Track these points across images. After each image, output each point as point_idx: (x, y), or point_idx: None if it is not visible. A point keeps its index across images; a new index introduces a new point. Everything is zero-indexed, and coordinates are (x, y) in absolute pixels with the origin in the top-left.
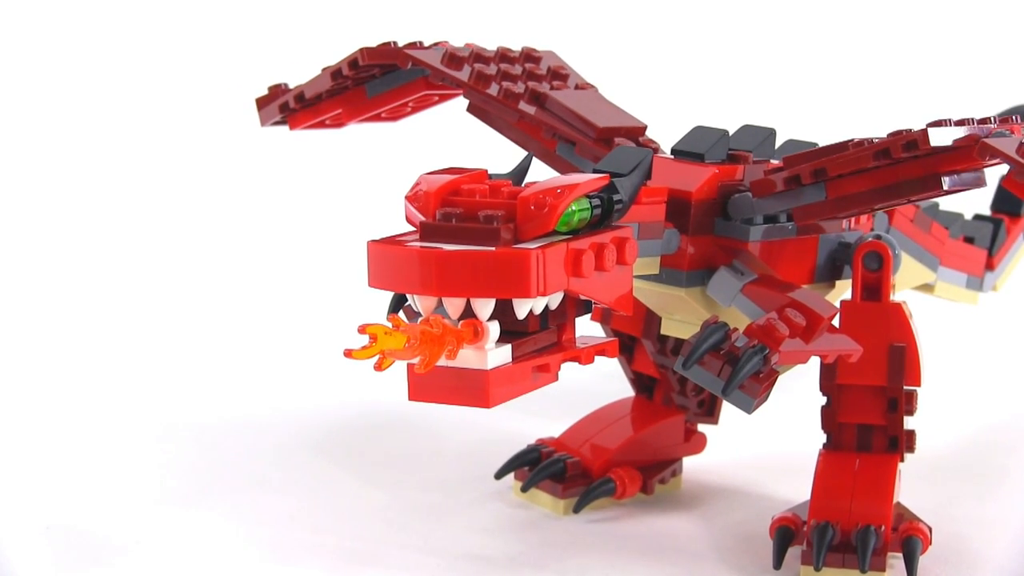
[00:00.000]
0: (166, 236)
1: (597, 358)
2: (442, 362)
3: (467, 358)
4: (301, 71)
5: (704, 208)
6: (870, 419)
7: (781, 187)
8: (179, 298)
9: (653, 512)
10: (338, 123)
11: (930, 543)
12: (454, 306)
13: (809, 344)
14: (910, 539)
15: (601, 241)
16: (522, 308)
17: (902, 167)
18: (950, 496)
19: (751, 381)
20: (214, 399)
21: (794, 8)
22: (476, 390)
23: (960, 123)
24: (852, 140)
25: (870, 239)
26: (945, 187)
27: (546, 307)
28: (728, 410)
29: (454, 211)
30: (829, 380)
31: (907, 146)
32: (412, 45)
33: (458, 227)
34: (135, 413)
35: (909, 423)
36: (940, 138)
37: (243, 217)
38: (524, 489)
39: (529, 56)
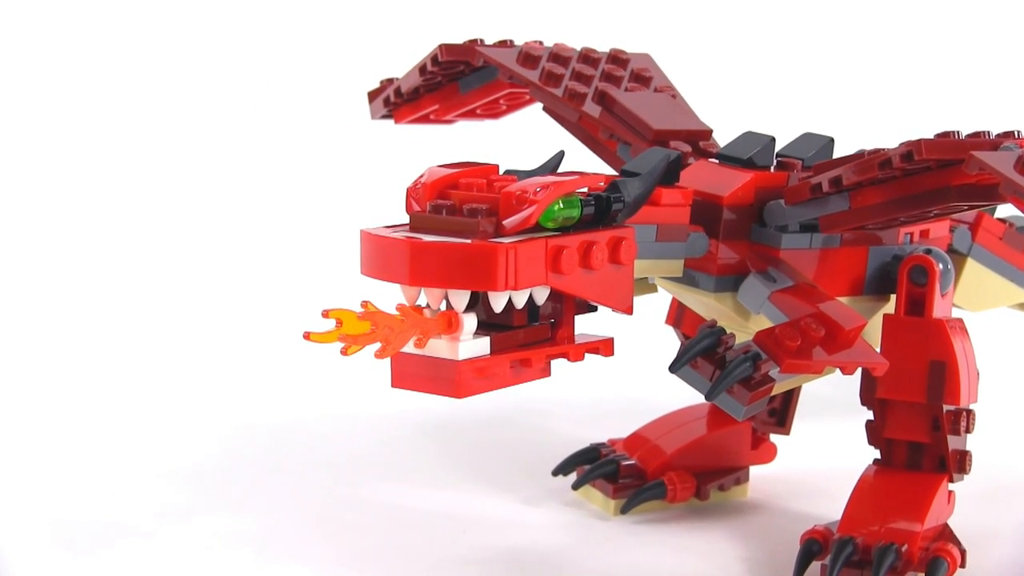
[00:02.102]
0: (204, 234)
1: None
2: (420, 351)
3: (440, 348)
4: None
5: (737, 213)
6: (917, 437)
7: (807, 195)
8: (223, 300)
9: (701, 518)
10: (440, 118)
11: (960, 566)
12: (434, 296)
13: (830, 355)
14: (934, 560)
15: (591, 240)
16: (497, 301)
17: (916, 179)
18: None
19: (740, 387)
20: (266, 398)
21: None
22: (448, 380)
23: (974, 135)
24: (869, 150)
25: (920, 252)
26: (957, 200)
27: (533, 303)
28: (801, 421)
29: (444, 203)
30: (869, 393)
31: (904, 157)
32: (502, 43)
33: (443, 219)
34: (194, 412)
35: (968, 443)
36: (933, 150)
37: (289, 214)
38: (575, 487)
39: (615, 58)
